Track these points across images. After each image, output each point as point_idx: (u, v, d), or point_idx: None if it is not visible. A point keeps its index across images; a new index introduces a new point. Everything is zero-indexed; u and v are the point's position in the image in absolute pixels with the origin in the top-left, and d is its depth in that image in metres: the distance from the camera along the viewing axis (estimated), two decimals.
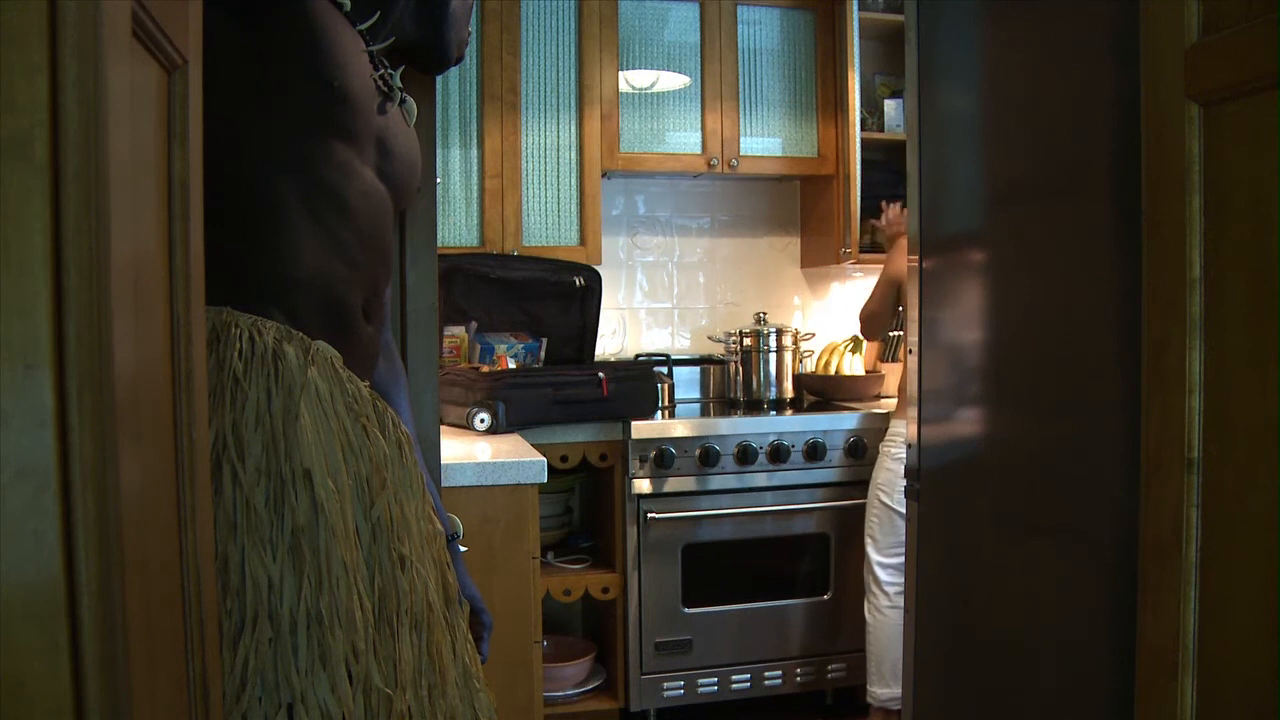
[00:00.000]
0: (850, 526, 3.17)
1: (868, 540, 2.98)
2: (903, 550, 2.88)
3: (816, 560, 3.17)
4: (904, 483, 2.84)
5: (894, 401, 3.49)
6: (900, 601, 2.87)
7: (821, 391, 3.52)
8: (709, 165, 3.37)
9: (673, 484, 3.02)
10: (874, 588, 2.96)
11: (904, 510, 2.87)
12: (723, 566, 3.09)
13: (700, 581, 3.04)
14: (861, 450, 3.14)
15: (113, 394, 0.55)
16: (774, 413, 3.30)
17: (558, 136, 3.26)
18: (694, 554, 3.04)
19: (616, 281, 3.66)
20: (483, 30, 3.17)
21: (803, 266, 3.85)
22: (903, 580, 2.88)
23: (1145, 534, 1.12)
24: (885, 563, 2.94)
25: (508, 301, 3.20)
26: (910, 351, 1.78)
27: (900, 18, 3.45)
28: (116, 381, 0.55)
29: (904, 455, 2.90)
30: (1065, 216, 1.42)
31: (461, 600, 1.22)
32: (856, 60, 3.45)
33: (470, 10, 1.34)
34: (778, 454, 3.08)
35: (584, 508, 3.38)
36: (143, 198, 0.65)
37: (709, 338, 3.60)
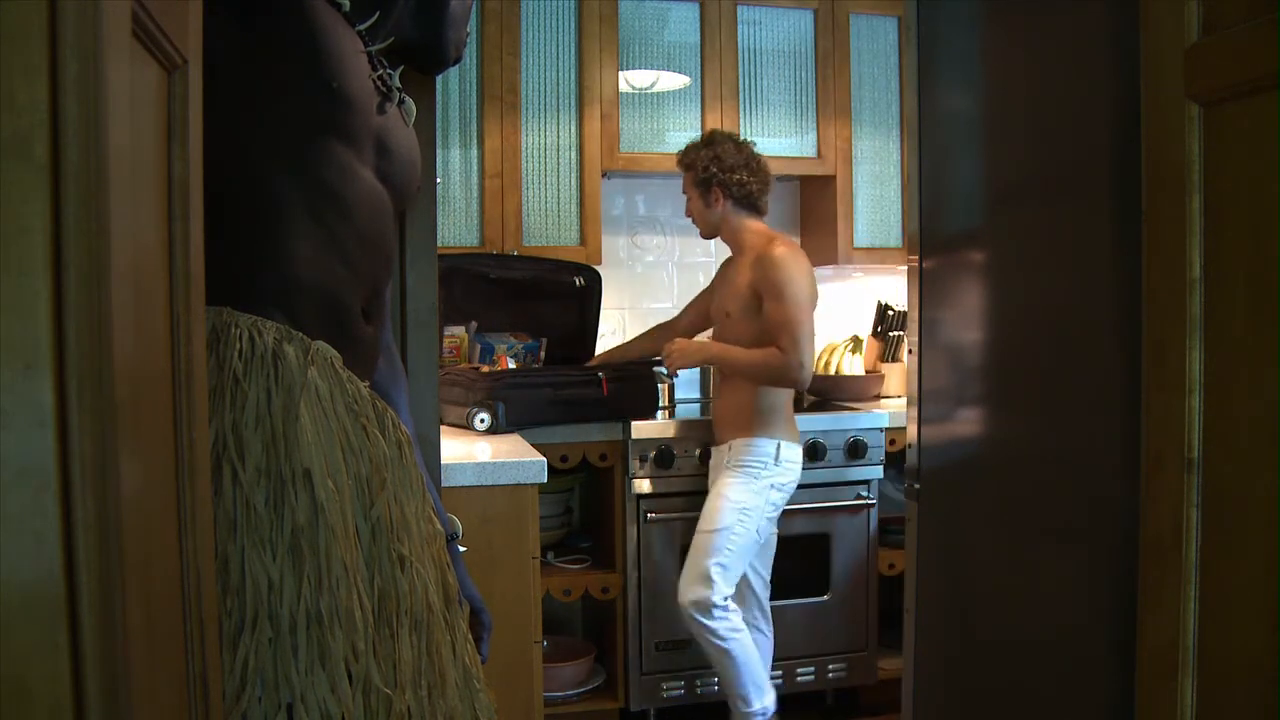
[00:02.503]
0: (850, 527, 3.17)
1: (751, 572, 2.84)
2: (740, 570, 2.76)
3: (816, 560, 3.17)
4: (772, 506, 2.74)
5: (897, 402, 3.49)
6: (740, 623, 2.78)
7: (821, 391, 3.52)
8: None
9: (673, 484, 3.02)
10: (722, 605, 2.73)
11: (765, 533, 2.77)
12: None
13: None
14: (862, 450, 3.14)
15: (113, 394, 0.55)
16: None
17: (558, 136, 3.26)
18: None
19: (616, 281, 3.66)
20: (483, 30, 3.17)
21: None
22: (736, 597, 2.77)
23: (1145, 534, 1.12)
24: (731, 581, 2.76)
25: (508, 301, 3.20)
26: (910, 351, 1.78)
27: None
28: (116, 381, 0.55)
29: (773, 480, 2.74)
30: (1065, 216, 1.42)
31: (461, 600, 1.22)
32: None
33: (469, 10, 1.34)
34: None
35: (584, 508, 3.38)
36: (143, 198, 0.65)
37: (709, 338, 3.60)
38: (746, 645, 2.75)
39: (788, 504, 3.10)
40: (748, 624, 2.82)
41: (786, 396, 2.85)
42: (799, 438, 2.88)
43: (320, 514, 0.97)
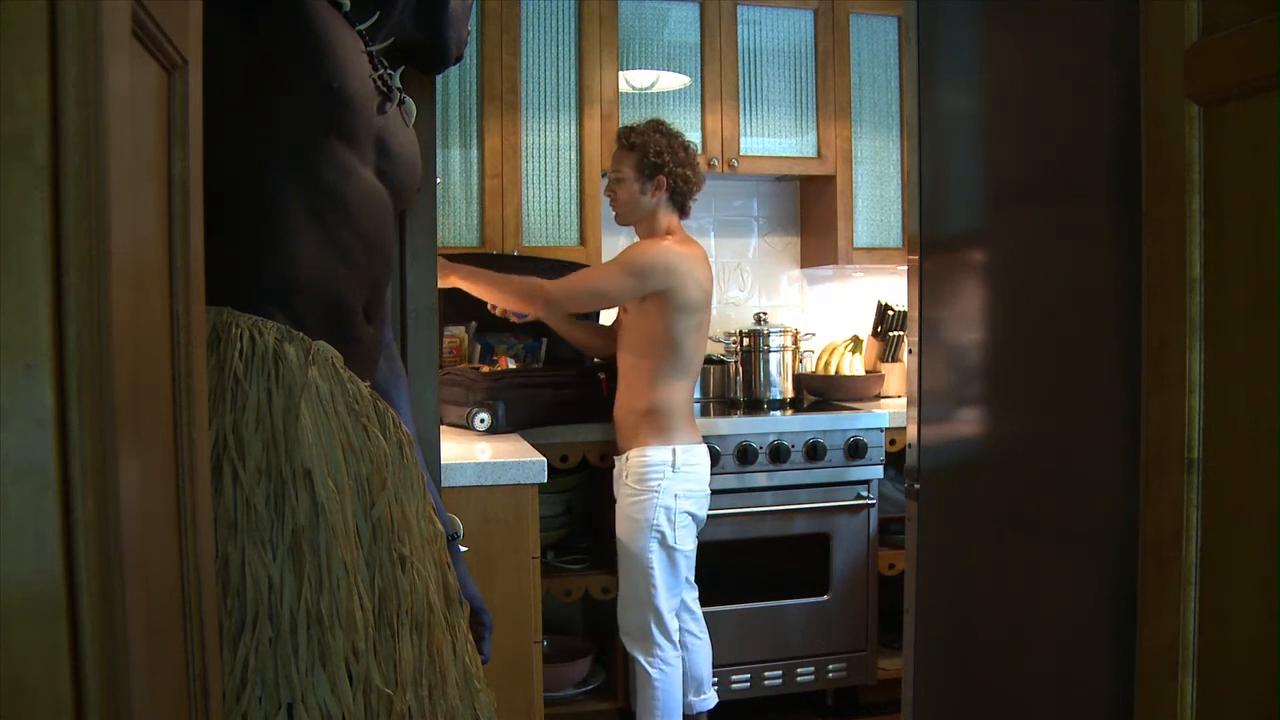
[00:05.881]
0: (850, 527, 3.17)
1: (654, 591, 2.67)
2: (680, 588, 2.70)
3: (816, 560, 3.17)
4: (684, 515, 2.63)
5: (897, 402, 3.49)
6: (679, 648, 2.73)
7: (821, 391, 3.52)
8: (709, 165, 3.37)
9: None
10: (660, 639, 2.69)
11: (684, 546, 2.64)
12: (723, 566, 3.09)
13: (701, 581, 3.04)
14: (862, 450, 3.14)
15: (113, 394, 0.55)
16: (774, 413, 3.30)
17: (558, 136, 3.26)
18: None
19: None
20: (483, 30, 3.17)
21: (803, 266, 3.85)
22: (677, 621, 2.71)
23: (1145, 534, 1.12)
24: (671, 608, 2.70)
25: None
26: (910, 351, 1.78)
27: None
28: (116, 381, 0.55)
29: (676, 489, 2.61)
30: (1065, 216, 1.41)
31: (462, 600, 1.22)
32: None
33: (469, 10, 1.35)
34: (778, 454, 3.08)
35: (584, 507, 3.38)
36: (143, 198, 0.65)
37: (709, 338, 3.60)
38: (667, 685, 2.69)
39: (787, 504, 3.10)
40: (682, 630, 2.79)
41: (683, 395, 2.72)
42: (699, 437, 2.76)
43: (321, 514, 0.97)
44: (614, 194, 2.78)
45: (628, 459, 2.72)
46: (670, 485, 2.64)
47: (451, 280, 2.71)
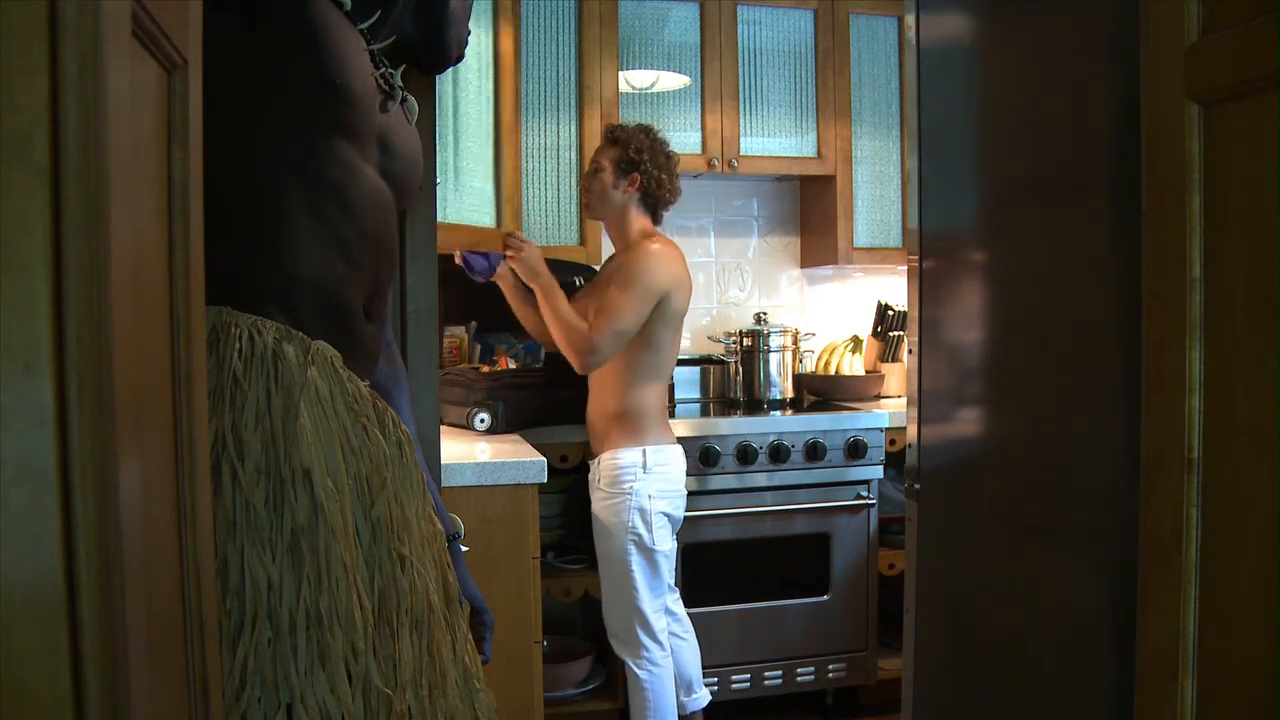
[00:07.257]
0: (850, 527, 3.17)
1: (636, 594, 2.67)
2: (663, 589, 2.69)
3: (816, 560, 3.17)
4: (659, 516, 2.62)
5: (897, 402, 3.49)
6: (667, 648, 2.73)
7: (821, 391, 3.52)
8: (709, 165, 3.37)
9: None
10: (646, 641, 2.68)
11: (662, 547, 2.63)
12: (723, 566, 3.09)
13: (700, 581, 3.04)
14: (862, 450, 3.14)
15: (113, 394, 0.55)
16: (774, 413, 3.30)
17: (558, 136, 3.26)
18: (694, 554, 3.04)
19: None
20: None
21: (803, 266, 3.85)
22: (663, 622, 2.70)
23: (1145, 534, 1.12)
24: (655, 609, 2.70)
25: (508, 301, 3.19)
26: (910, 351, 1.78)
27: None
28: (116, 381, 0.55)
29: (650, 490, 2.60)
30: (1065, 216, 1.41)
31: (462, 600, 1.22)
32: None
33: (469, 9, 1.35)
34: (778, 454, 3.08)
35: (583, 507, 3.38)
36: (143, 198, 0.65)
37: (709, 338, 3.60)
38: (657, 686, 2.69)
39: (787, 504, 3.10)
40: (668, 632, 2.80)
41: (655, 397, 2.72)
42: (672, 438, 2.76)
43: (320, 514, 0.97)
44: (588, 184, 2.80)
45: (600, 462, 2.72)
46: (643, 486, 2.64)
47: (539, 279, 2.65)
